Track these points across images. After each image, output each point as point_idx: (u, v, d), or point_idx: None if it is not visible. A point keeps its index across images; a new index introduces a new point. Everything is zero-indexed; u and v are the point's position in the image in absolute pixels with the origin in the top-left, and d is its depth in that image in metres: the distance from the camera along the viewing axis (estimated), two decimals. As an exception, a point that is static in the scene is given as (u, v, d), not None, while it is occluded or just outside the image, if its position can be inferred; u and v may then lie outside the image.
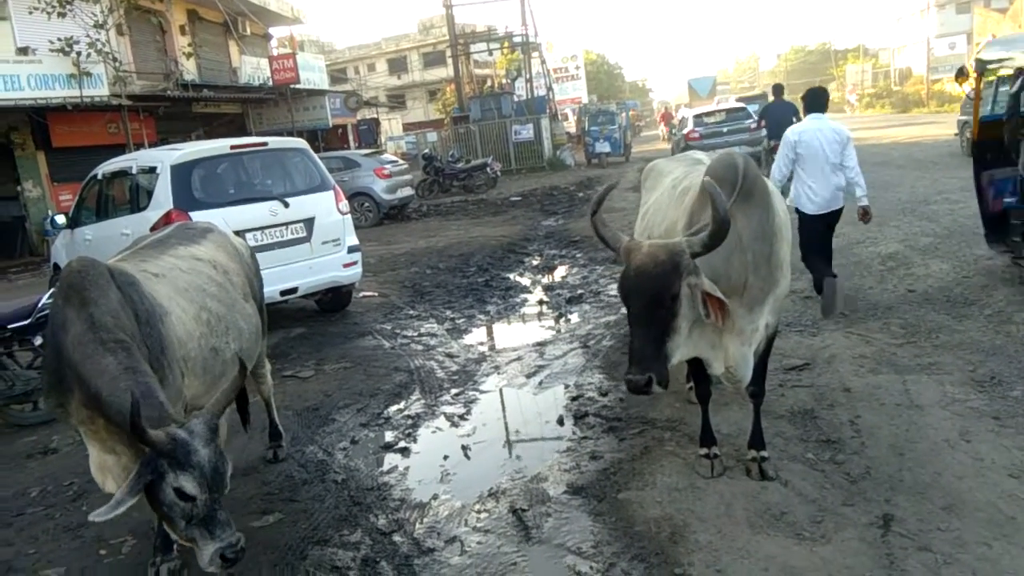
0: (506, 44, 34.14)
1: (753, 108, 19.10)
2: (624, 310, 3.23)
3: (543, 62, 33.61)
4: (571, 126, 36.58)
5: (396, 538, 3.64)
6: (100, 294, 3.03)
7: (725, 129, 18.47)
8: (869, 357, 5.19)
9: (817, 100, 6.28)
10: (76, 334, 2.94)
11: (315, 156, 7.98)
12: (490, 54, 36.65)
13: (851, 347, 5.44)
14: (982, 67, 6.33)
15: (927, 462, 3.70)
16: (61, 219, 8.48)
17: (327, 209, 7.59)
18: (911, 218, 9.81)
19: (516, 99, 30.78)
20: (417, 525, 3.75)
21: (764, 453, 3.80)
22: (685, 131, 19.61)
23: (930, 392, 4.48)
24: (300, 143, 8.15)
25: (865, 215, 6.07)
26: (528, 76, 32.03)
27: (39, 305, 5.46)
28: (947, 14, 45.99)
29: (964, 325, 5.55)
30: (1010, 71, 6.27)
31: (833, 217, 6.21)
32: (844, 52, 67.43)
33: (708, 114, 20.16)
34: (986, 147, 6.48)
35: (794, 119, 10.22)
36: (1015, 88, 6.25)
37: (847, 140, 5.97)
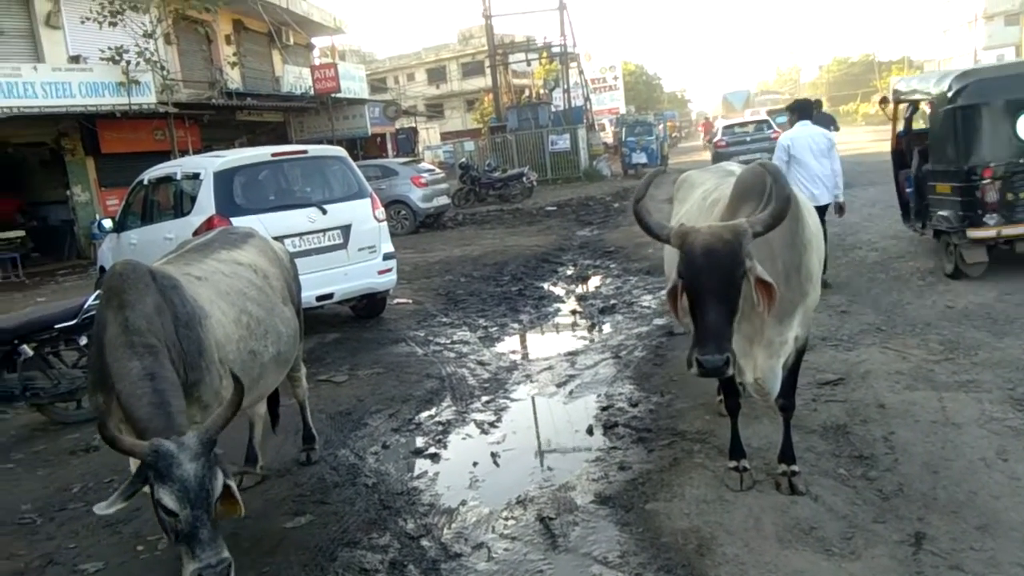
0: (544, 54, 34.26)
1: (781, 120, 20.80)
2: (676, 303, 3.19)
3: (581, 72, 33.68)
4: (608, 136, 36.53)
5: (424, 542, 3.68)
6: (137, 298, 3.10)
7: (748, 139, 21.30)
8: (905, 373, 5.11)
9: (805, 110, 7.73)
10: (112, 336, 3.03)
11: (353, 164, 8.12)
12: (528, 64, 36.74)
13: (887, 363, 5.36)
14: (897, 96, 8.89)
15: (962, 480, 3.64)
16: (108, 223, 8.74)
17: (364, 216, 7.71)
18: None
19: (553, 109, 30.88)
20: (445, 530, 3.79)
21: (795, 467, 3.77)
22: (715, 140, 22.50)
23: (967, 410, 4.40)
24: (339, 151, 8.30)
25: (840, 210, 7.52)
26: (566, 86, 32.10)
27: (85, 306, 5.64)
28: (995, 26, 45.02)
29: (1004, 343, 5.43)
30: (916, 99, 8.49)
31: (821, 210, 7.04)
32: (888, 64, 66.40)
33: (736, 125, 23.02)
34: (899, 154, 9.04)
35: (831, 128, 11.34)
36: (908, 113, 8.84)
37: (831, 143, 7.34)
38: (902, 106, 8.92)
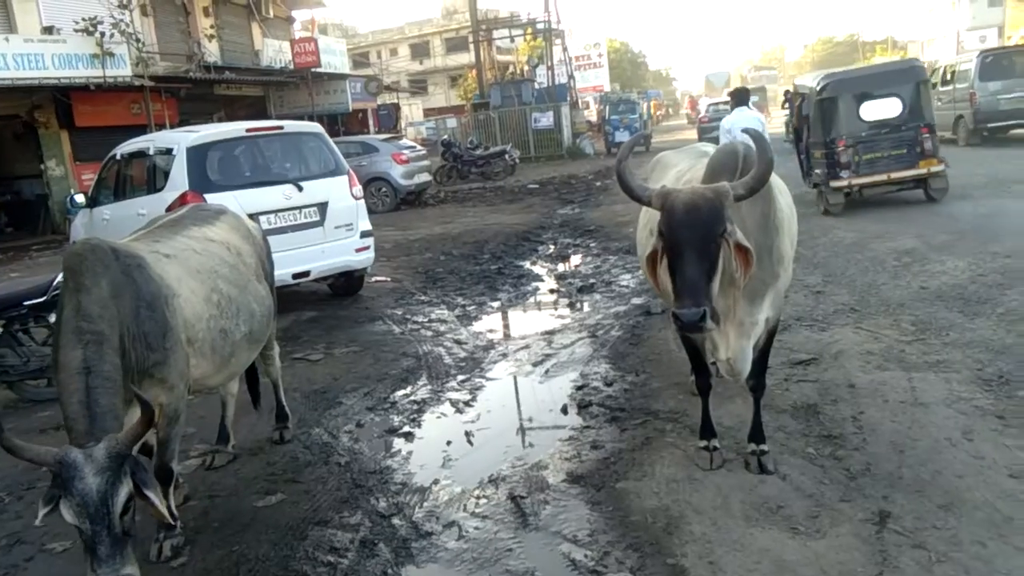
0: (529, 31, 33.98)
1: (754, 99, 23.02)
2: (655, 265, 3.20)
3: (565, 49, 33.45)
4: (592, 114, 36.41)
5: (395, 521, 3.68)
6: (93, 281, 3.03)
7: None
8: (877, 353, 5.16)
9: (742, 98, 9.06)
10: (64, 318, 2.97)
11: (330, 141, 8.03)
12: (512, 40, 36.51)
13: (860, 343, 5.41)
14: (793, 91, 12.62)
15: (927, 460, 3.68)
16: (80, 198, 8.61)
17: (341, 194, 7.64)
18: (929, 215, 9.70)
19: (537, 86, 30.71)
20: (417, 509, 3.79)
21: (764, 447, 3.80)
22: (700, 116, 26.44)
23: (936, 390, 4.45)
24: (315, 127, 8.20)
25: None
26: (550, 63, 31.89)
27: (54, 283, 5.55)
28: (979, 7, 45.04)
29: (976, 323, 5.49)
30: (803, 93, 11.55)
31: None
32: (872, 44, 66.44)
33: (720, 103, 25.49)
34: (797, 132, 11.81)
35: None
36: (798, 103, 11.75)
37: (763, 125, 8.37)
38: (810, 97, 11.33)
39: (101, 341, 2.91)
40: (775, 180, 3.63)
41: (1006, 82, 15.73)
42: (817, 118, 10.55)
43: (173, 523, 3.36)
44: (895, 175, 10.20)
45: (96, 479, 2.54)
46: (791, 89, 12.97)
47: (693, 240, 2.97)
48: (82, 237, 7.92)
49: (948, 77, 17.53)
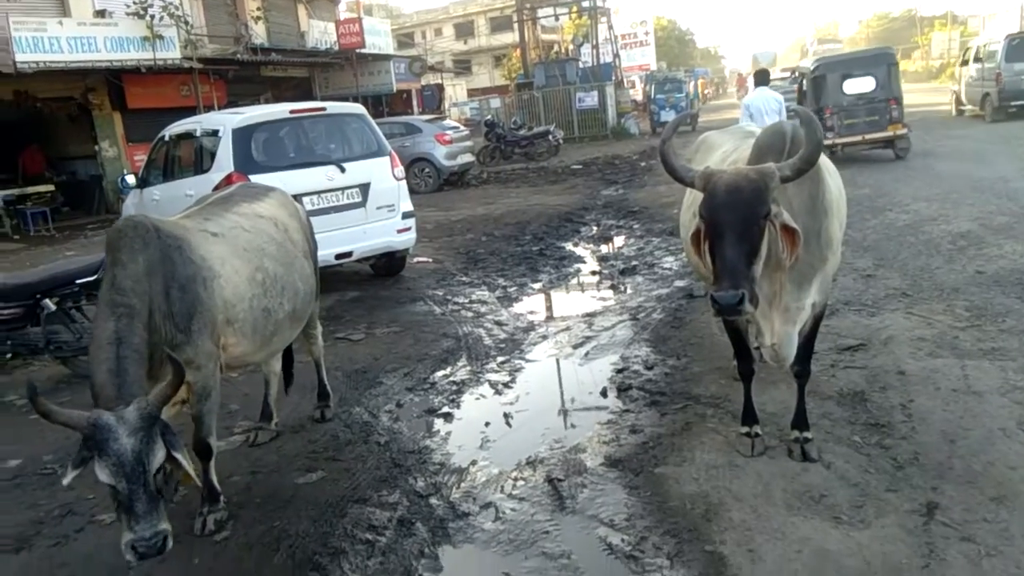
0: (574, 9, 33.55)
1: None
2: (700, 245, 3.13)
3: (611, 28, 32.97)
4: (637, 94, 35.90)
5: (433, 501, 3.70)
6: (130, 256, 3.13)
7: (780, 91, 26.78)
8: (929, 340, 5.00)
9: (762, 77, 10.17)
10: (102, 292, 3.09)
11: (372, 122, 8.05)
12: (557, 19, 36.05)
13: (911, 328, 5.25)
14: (800, 71, 16.10)
15: (979, 450, 3.56)
16: (131, 179, 8.79)
17: (383, 175, 7.66)
18: (988, 195, 9.36)
19: (582, 66, 30.34)
20: (454, 489, 3.81)
21: (807, 434, 3.72)
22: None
23: (990, 378, 4.30)
24: (358, 108, 8.23)
25: None
26: (595, 42, 31.47)
27: (104, 262, 5.68)
28: (1045, -22, 43.11)
29: (1034, 310, 5.29)
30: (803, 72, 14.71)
31: None
32: (931, 19, 64.08)
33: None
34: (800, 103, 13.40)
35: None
36: (800, 80, 15.13)
37: (781, 104, 9.40)
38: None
39: (132, 315, 3.01)
40: (824, 161, 3.52)
41: None
42: (811, 91, 13.68)
43: (204, 488, 3.51)
44: (868, 136, 13.17)
45: (131, 440, 2.61)
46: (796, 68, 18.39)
47: (734, 222, 2.91)
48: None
49: (978, 56, 18.99)
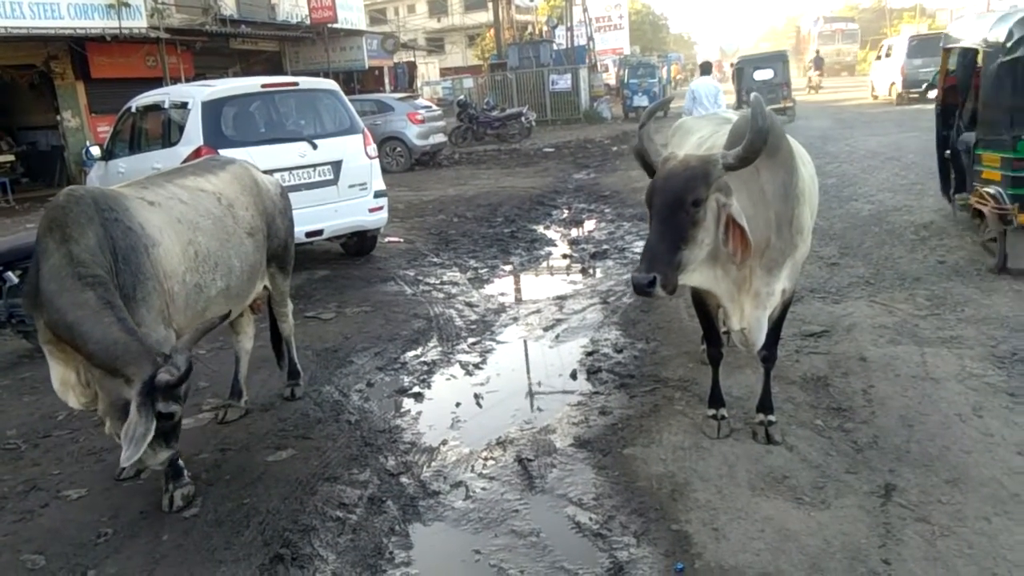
0: (548, -10, 33.39)
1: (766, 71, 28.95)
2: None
3: (585, 10, 32.89)
4: (610, 77, 35.90)
5: (403, 479, 3.73)
6: (80, 232, 3.16)
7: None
8: (890, 327, 5.13)
9: (705, 68, 12.16)
10: (53, 265, 3.09)
11: (345, 98, 7.97)
12: (532, 0, 35.87)
13: (873, 316, 5.38)
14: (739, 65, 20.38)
15: (936, 435, 3.68)
16: (96, 151, 8.59)
17: (355, 153, 7.60)
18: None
19: (556, 47, 30.25)
20: (425, 468, 3.84)
21: (772, 417, 3.81)
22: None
23: (948, 365, 4.43)
24: (331, 84, 8.13)
25: None
26: (569, 24, 31.38)
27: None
28: (1010, -25, 43.91)
29: (992, 299, 5.44)
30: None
31: None
32: (900, 12, 64.81)
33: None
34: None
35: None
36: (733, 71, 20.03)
37: (719, 89, 11.33)
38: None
39: (105, 283, 3.10)
40: (798, 149, 3.57)
41: (925, 59, 20.85)
42: (736, 79, 20.35)
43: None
44: (769, 108, 19.23)
45: (186, 382, 3.14)
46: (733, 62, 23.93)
47: (661, 207, 2.98)
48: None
49: (888, 53, 24.62)
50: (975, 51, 6.49)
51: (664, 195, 2.98)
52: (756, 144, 2.95)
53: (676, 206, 2.94)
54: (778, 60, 19.91)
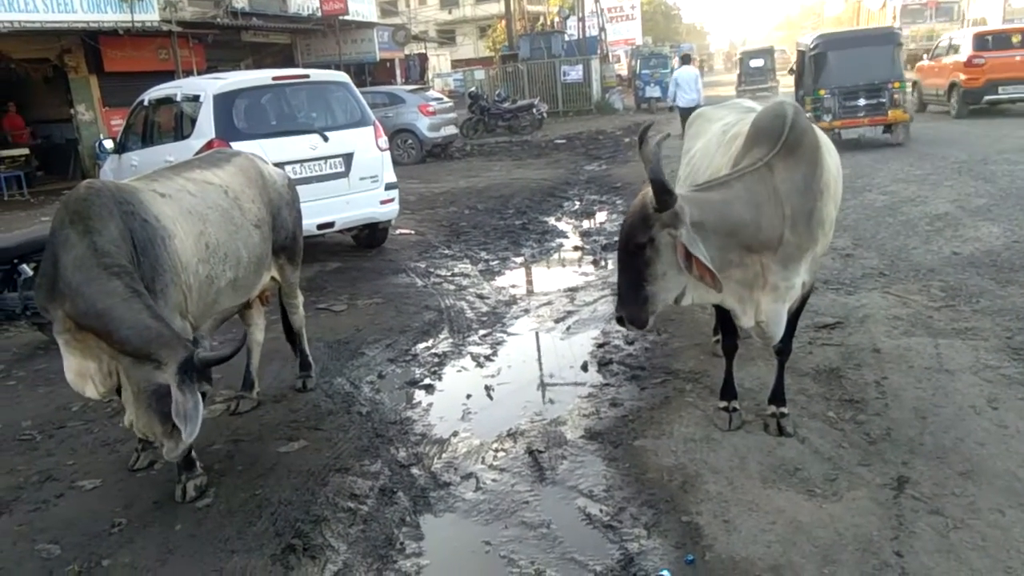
0: (560, -20, 33.22)
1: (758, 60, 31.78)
2: None
3: (597, 1, 32.71)
4: (622, 69, 35.73)
5: (414, 471, 3.74)
6: (103, 224, 3.20)
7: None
8: (904, 319, 5.09)
9: (686, 59, 15.66)
10: (78, 256, 3.11)
11: (356, 91, 7.97)
12: (543, -10, 35.70)
13: (887, 307, 5.34)
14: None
15: (950, 427, 3.65)
16: (109, 144, 8.65)
17: (366, 145, 7.61)
18: (967, 178, 9.47)
19: (567, 38, 30.13)
20: (435, 460, 3.85)
21: (784, 409, 3.79)
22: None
23: (962, 357, 4.39)
24: (342, 76, 8.14)
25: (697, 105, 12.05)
26: (581, 15, 31.24)
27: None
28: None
29: (1007, 291, 5.39)
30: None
31: (692, 109, 9.65)
32: (919, -1, 63.98)
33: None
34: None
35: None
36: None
37: (697, 76, 14.74)
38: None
39: (131, 272, 3.14)
40: (823, 139, 3.52)
41: None
42: (739, 65, 29.50)
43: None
44: (759, 87, 26.27)
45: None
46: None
47: (619, 251, 3.25)
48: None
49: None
50: (803, 50, 13.75)
51: (620, 239, 3.23)
52: (654, 194, 2.97)
53: (626, 250, 3.17)
54: (768, 53, 29.17)
